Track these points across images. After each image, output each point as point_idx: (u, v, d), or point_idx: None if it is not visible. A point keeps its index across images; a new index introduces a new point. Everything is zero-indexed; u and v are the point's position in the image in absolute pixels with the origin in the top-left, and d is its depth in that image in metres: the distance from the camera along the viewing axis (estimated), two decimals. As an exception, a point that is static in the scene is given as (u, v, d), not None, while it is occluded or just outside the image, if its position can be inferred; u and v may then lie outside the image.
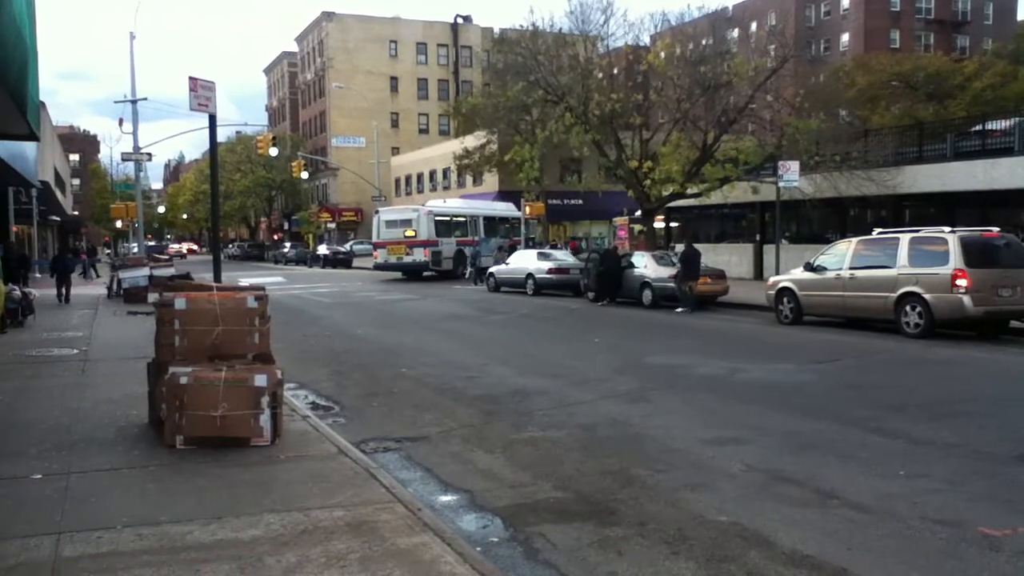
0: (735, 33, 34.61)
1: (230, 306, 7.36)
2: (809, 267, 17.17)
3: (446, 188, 59.85)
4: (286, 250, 64.44)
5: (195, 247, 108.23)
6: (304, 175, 55.56)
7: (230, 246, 78.56)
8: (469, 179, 54.60)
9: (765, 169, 27.14)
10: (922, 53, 61.12)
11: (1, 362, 12.08)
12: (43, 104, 20.16)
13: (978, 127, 26.39)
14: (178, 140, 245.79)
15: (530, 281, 26.51)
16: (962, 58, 58.29)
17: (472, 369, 11.96)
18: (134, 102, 33.01)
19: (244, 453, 6.74)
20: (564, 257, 28.16)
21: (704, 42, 29.76)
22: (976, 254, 14.51)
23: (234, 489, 5.89)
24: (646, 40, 32.79)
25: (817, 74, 39.19)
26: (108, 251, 53.15)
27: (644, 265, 22.31)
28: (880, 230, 17.16)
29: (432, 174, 63.49)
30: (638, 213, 33.04)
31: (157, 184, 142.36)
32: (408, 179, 67.84)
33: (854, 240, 16.95)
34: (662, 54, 27.98)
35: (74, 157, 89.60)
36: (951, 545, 5.10)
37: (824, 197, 26.70)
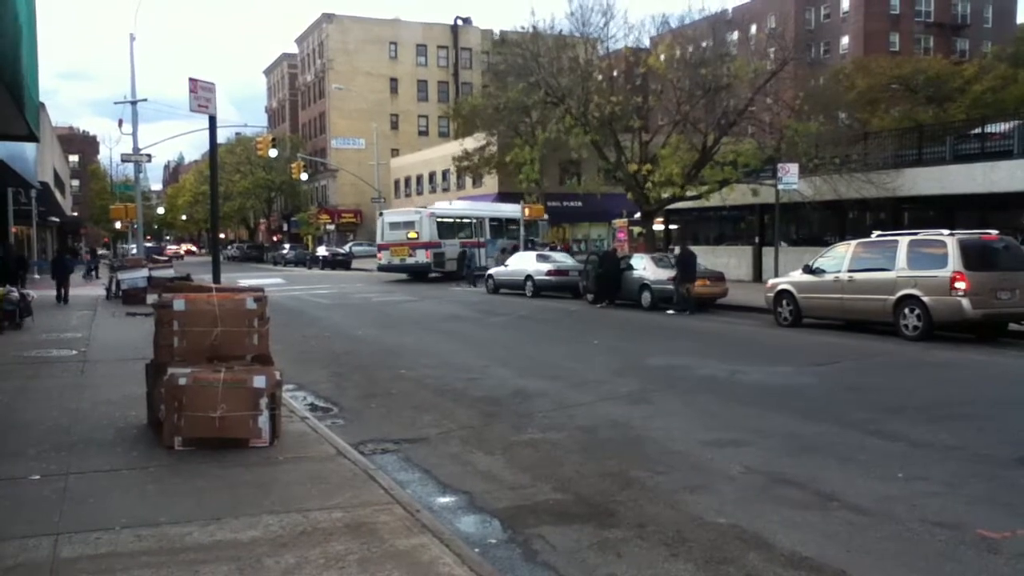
0: (735, 36, 34.63)
1: (229, 307, 7.36)
2: (808, 269, 17.17)
3: (445, 190, 59.86)
4: (285, 251, 64.45)
5: (194, 248, 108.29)
6: (303, 176, 55.56)
7: (229, 247, 78.55)
8: (469, 181, 54.62)
9: (764, 171, 27.16)
10: (922, 56, 61.18)
11: (0, 363, 12.08)
12: (42, 105, 20.18)
13: (977, 130, 26.44)
14: (178, 141, 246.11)
15: (529, 283, 26.52)
16: (961, 61, 58.38)
17: (472, 370, 11.96)
18: (134, 103, 33.00)
19: (243, 454, 6.73)
20: (563, 259, 28.18)
21: (704, 44, 29.78)
22: (975, 257, 14.53)
23: (233, 490, 5.89)
24: (646, 43, 32.78)
25: (817, 77, 39.20)
26: (103, 252, 53.07)
27: (643, 267, 22.32)
28: (879, 233, 17.18)
29: (432, 176, 63.51)
30: (637, 215, 33.05)
31: (156, 185, 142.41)
32: (408, 181, 67.86)
33: (853, 243, 16.96)
34: (662, 57, 27.99)
35: (73, 158, 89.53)
36: (950, 547, 5.10)
37: (823, 200, 26.73)
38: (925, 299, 14.60)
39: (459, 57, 79.71)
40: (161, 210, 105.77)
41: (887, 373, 11.87)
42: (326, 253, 54.66)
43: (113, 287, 24.79)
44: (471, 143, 48.24)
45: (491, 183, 51.70)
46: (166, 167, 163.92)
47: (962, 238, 14.76)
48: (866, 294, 15.74)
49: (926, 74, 50.39)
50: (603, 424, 8.47)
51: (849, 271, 16.14)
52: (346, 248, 59.01)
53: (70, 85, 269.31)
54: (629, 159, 28.48)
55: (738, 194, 27.99)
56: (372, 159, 55.51)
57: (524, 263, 27.65)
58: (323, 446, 7.16)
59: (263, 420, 6.94)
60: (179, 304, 7.26)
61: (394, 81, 77.75)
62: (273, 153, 46.46)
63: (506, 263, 29.19)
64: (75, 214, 69.10)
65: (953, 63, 54.51)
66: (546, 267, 26.53)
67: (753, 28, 54.68)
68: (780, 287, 17.80)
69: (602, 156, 29.78)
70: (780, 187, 23.90)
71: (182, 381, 6.82)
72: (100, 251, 57.13)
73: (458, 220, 38.05)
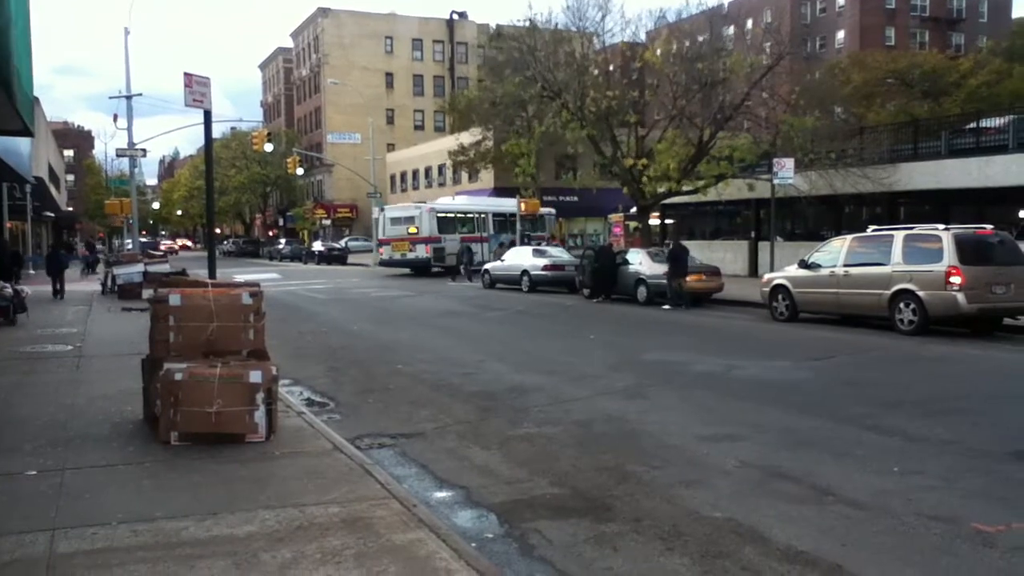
0: (731, 30, 34.61)
1: (225, 302, 7.35)
2: (804, 264, 17.18)
3: (441, 185, 59.80)
4: (281, 246, 64.31)
5: (189, 243, 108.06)
6: (299, 171, 55.46)
7: (225, 242, 78.40)
8: (464, 176, 54.56)
9: (760, 166, 27.17)
10: (917, 50, 61.28)
11: (-5, 358, 12.05)
12: (37, 99, 20.11)
13: (973, 124, 26.45)
14: (173, 136, 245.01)
15: (525, 278, 26.51)
16: (957, 55, 58.42)
17: (468, 365, 11.96)
18: (129, 98, 32.91)
19: (239, 449, 6.73)
20: (559, 254, 28.19)
21: (700, 39, 29.77)
22: (970, 251, 14.55)
23: (229, 485, 5.89)
24: (643, 37, 32.76)
25: (812, 71, 39.27)
26: (101, 248, 52.81)
27: (639, 262, 22.33)
28: (874, 227, 17.20)
29: (428, 171, 63.44)
30: (633, 210, 33.07)
31: (152, 180, 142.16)
32: (403, 175, 67.78)
33: (848, 237, 16.98)
34: (658, 51, 27.96)
35: (68, 153, 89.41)
36: (945, 541, 5.12)
37: (819, 194, 26.76)
38: (920, 294, 14.62)
39: (455, 52, 79.58)
40: (156, 205, 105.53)
41: (883, 368, 11.90)
42: (322, 248, 54.57)
43: (109, 282, 24.75)
44: (467, 138, 48.19)
45: (487, 178, 51.65)
46: (161, 162, 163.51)
47: (957, 233, 14.79)
48: (861, 289, 15.76)
49: (922, 69, 50.46)
50: (599, 419, 8.48)
51: (844, 266, 16.15)
52: (342, 243, 58.92)
53: (65, 80, 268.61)
54: (625, 154, 28.48)
55: (734, 189, 28.01)
56: (368, 154, 55.41)
57: (520, 258, 27.65)
58: (319, 441, 7.16)
59: (259, 415, 6.93)
60: (175, 299, 7.25)
61: (390, 76, 77.61)
62: (269, 148, 46.33)
63: (502, 258, 29.20)
64: (70, 209, 68.90)
65: (949, 58, 54.56)
66: (542, 262, 26.53)
67: (749, 23, 54.68)
68: (775, 282, 17.81)
69: (598, 151, 29.77)
70: (776, 182, 23.91)
71: (178, 376, 6.82)
72: (99, 247, 56.83)
73: (459, 215, 38.29)
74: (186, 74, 12.99)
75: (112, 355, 12.08)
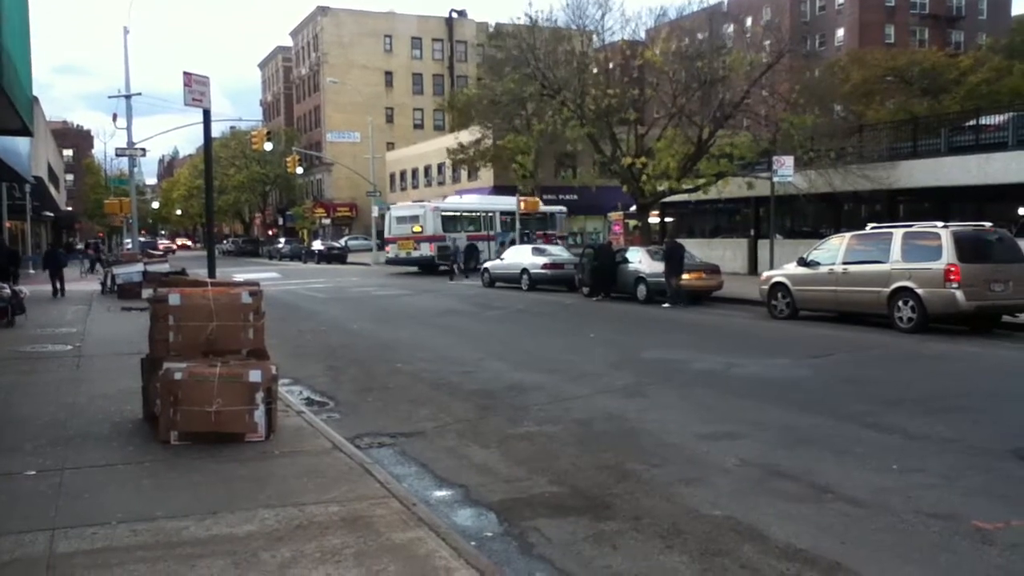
0: (730, 28, 34.63)
1: (224, 302, 7.35)
2: (803, 262, 17.18)
3: (441, 183, 59.79)
4: (280, 246, 64.28)
5: (189, 243, 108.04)
6: (299, 170, 55.42)
7: (224, 242, 78.35)
8: (464, 174, 54.55)
9: (760, 164, 27.17)
10: (917, 48, 61.29)
11: (-5, 358, 12.04)
12: (36, 99, 20.10)
13: (972, 122, 26.44)
14: (172, 135, 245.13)
15: (525, 276, 26.51)
16: (956, 53, 58.42)
17: (468, 364, 11.96)
18: (128, 97, 32.89)
19: (239, 449, 6.73)
20: (559, 252, 28.19)
21: (700, 37, 29.76)
22: (969, 249, 14.55)
23: (229, 484, 5.89)
24: (643, 35, 32.76)
25: (812, 69, 39.23)
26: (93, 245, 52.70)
27: (638, 260, 22.33)
28: (873, 225, 17.20)
29: (427, 169, 63.42)
30: (633, 208, 33.06)
31: (151, 179, 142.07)
32: (403, 174, 67.76)
33: (847, 235, 16.99)
34: (658, 50, 27.95)
35: (68, 152, 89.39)
36: (945, 539, 5.12)
37: (819, 192, 26.74)
38: (919, 291, 14.62)
39: (454, 50, 79.54)
40: (156, 204, 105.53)
41: (883, 365, 11.90)
42: (322, 247, 54.56)
43: (108, 282, 24.75)
44: (466, 136, 48.19)
45: (486, 176, 51.64)
46: (161, 161, 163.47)
47: (956, 230, 14.79)
48: (860, 286, 15.76)
49: (921, 66, 50.45)
50: (599, 417, 8.48)
51: (843, 263, 16.16)
52: (342, 242, 58.89)
53: (65, 79, 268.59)
54: (625, 152, 28.48)
55: (733, 187, 28.01)
56: (367, 153, 55.40)
57: (519, 256, 27.65)
58: (319, 440, 7.16)
59: (259, 414, 6.93)
60: (174, 299, 7.25)
61: (389, 74, 77.58)
62: (268, 147, 46.35)
63: (501, 256, 29.18)
64: (69, 209, 68.89)
65: (948, 55, 54.57)
66: (542, 260, 26.53)
67: (749, 21, 54.67)
68: (774, 279, 17.81)
69: (598, 149, 29.77)
70: (775, 180, 23.91)
71: (178, 376, 6.82)
72: (102, 246, 56.57)
73: (465, 214, 38.78)
74: (185, 73, 12.97)
75: (112, 354, 12.08)
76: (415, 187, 64.61)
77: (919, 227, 15.55)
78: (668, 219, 36.50)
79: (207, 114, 13.60)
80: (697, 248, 27.12)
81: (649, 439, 7.61)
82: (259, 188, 79.32)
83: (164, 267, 24.65)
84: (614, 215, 41.27)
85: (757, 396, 9.44)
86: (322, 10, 76.36)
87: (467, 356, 12.73)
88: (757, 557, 4.87)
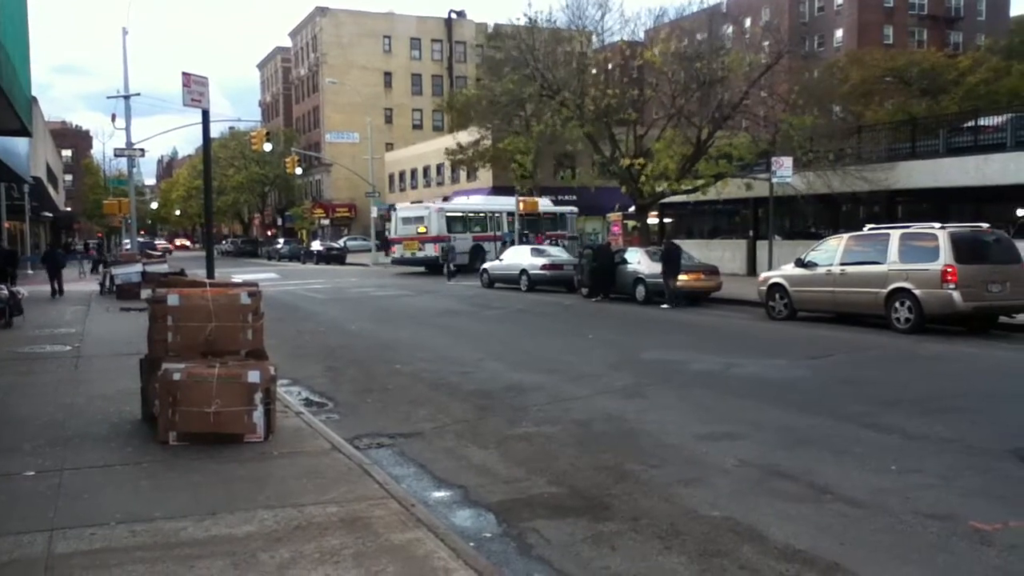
0: (730, 29, 34.69)
1: (223, 302, 7.35)
2: (800, 263, 17.19)
3: (440, 184, 59.78)
4: (279, 246, 64.23)
5: (188, 243, 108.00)
6: (297, 171, 55.39)
7: (223, 242, 78.31)
8: (463, 174, 54.53)
9: (759, 165, 27.18)
10: (915, 49, 61.35)
11: (-7, 358, 12.03)
12: (35, 99, 20.09)
13: (971, 123, 26.47)
14: (171, 135, 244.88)
15: (524, 277, 26.51)
16: (955, 54, 58.46)
17: (467, 365, 11.96)
18: (127, 97, 32.89)
19: (238, 449, 6.73)
20: (558, 253, 28.20)
21: (699, 37, 29.78)
22: (966, 250, 14.57)
23: (228, 485, 5.89)
24: (642, 36, 32.81)
25: (811, 70, 39.30)
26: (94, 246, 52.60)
27: (637, 261, 22.33)
28: (871, 226, 17.21)
29: (426, 170, 63.41)
30: (632, 209, 33.07)
31: (150, 180, 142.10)
32: (402, 175, 67.74)
33: (845, 236, 16.99)
34: (657, 50, 27.96)
35: (66, 153, 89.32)
36: (943, 539, 5.13)
37: (817, 193, 26.75)
38: (916, 292, 14.63)
39: (453, 51, 79.54)
40: (155, 205, 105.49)
41: (881, 366, 11.91)
42: (321, 248, 54.53)
43: (107, 282, 24.73)
44: (465, 137, 48.20)
45: (485, 177, 51.63)
46: (159, 161, 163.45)
47: (953, 231, 14.80)
48: (858, 287, 15.77)
49: (920, 67, 50.50)
50: (598, 418, 8.48)
51: (841, 264, 16.17)
52: (341, 243, 58.86)
53: (64, 79, 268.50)
54: (624, 153, 28.48)
55: (732, 188, 28.01)
56: (366, 153, 55.38)
57: (519, 257, 27.64)
58: (318, 441, 7.16)
59: (258, 415, 6.93)
60: (173, 299, 7.25)
61: (388, 75, 77.56)
62: (267, 147, 46.33)
63: (500, 257, 29.17)
64: (68, 209, 68.82)
65: (947, 56, 54.62)
66: (541, 261, 26.53)
67: (748, 21, 54.75)
68: (772, 280, 17.82)
69: (597, 150, 29.79)
70: (774, 180, 23.91)
71: (176, 376, 6.82)
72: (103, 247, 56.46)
73: (470, 214, 38.95)
74: (184, 74, 12.98)
75: (111, 355, 12.08)
76: (414, 188, 64.60)
77: (916, 228, 15.57)
78: (667, 220, 36.51)
79: (206, 114, 13.61)
80: (696, 249, 27.13)
81: (648, 440, 7.61)
82: (258, 189, 79.31)
83: (163, 267, 24.63)
84: (613, 216, 41.26)
85: (756, 397, 9.44)
86: (321, 11, 76.35)
87: (466, 357, 12.74)
88: (756, 558, 4.87)
